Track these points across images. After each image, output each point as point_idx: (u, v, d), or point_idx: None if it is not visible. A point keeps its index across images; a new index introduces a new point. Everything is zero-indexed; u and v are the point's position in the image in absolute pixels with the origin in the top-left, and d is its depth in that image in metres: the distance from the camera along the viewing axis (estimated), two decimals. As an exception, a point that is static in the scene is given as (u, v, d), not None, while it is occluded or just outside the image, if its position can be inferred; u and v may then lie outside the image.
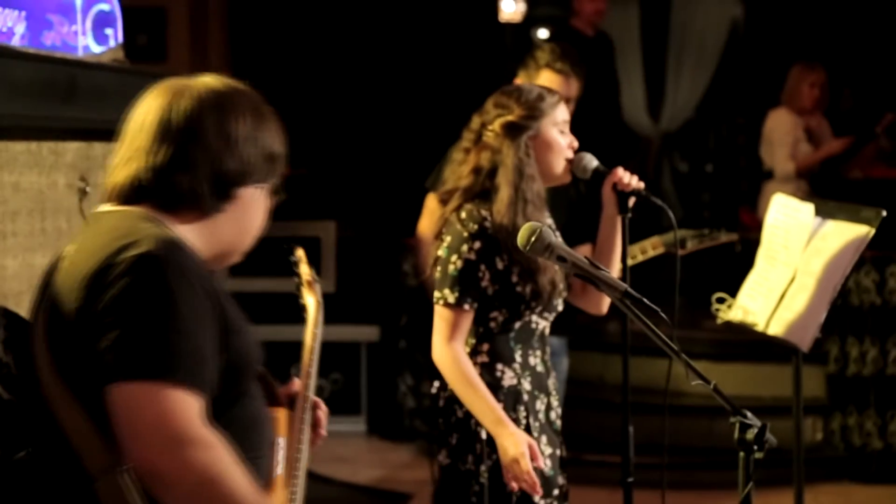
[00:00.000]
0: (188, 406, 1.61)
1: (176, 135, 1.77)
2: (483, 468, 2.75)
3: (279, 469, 1.85)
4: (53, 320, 1.72)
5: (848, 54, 7.63)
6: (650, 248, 3.66)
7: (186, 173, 1.77)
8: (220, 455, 1.62)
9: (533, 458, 2.64)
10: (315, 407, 2.06)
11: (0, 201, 2.65)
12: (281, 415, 1.91)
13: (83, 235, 1.81)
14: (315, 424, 2.05)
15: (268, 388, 1.91)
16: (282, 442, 1.88)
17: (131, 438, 1.60)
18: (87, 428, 1.65)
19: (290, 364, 6.63)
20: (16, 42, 2.91)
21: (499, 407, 2.71)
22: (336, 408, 6.64)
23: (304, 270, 2.35)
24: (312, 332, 2.20)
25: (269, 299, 5.97)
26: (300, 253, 2.39)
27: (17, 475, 2.12)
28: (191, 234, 1.78)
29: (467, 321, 2.78)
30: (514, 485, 2.65)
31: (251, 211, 1.84)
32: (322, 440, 2.07)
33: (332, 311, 8.01)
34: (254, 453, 1.78)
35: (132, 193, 1.79)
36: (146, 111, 1.83)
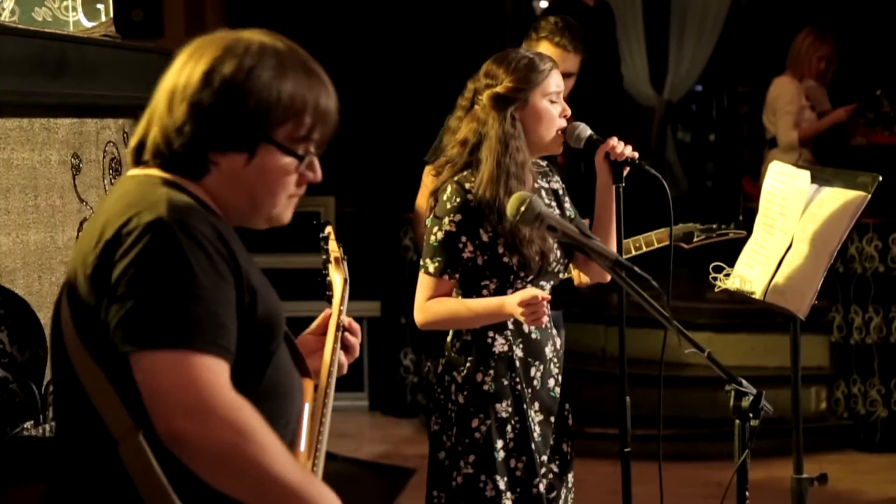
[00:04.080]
0: (209, 372, 1.60)
1: (176, 97, 1.75)
2: (484, 428, 2.79)
3: (303, 438, 1.84)
4: (73, 289, 1.72)
5: (848, 20, 7.56)
6: (655, 240, 3.63)
7: (177, 136, 1.74)
8: (245, 420, 1.61)
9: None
10: (348, 330, 2.10)
11: (-8, 179, 2.63)
12: (307, 385, 1.90)
13: (104, 203, 1.81)
14: (346, 347, 2.09)
15: (295, 356, 1.89)
16: (307, 410, 1.86)
17: (155, 407, 1.60)
18: (109, 392, 1.66)
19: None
20: (5, 18, 2.88)
21: (490, 299, 2.78)
22: (338, 384, 6.61)
23: (333, 247, 2.33)
24: (339, 309, 2.16)
25: (286, 275, 5.96)
26: (329, 229, 2.38)
27: (16, 450, 2.11)
28: (203, 194, 1.76)
29: (447, 290, 2.82)
30: (534, 317, 2.67)
31: (241, 176, 1.75)
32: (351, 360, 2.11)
33: (333, 286, 7.82)
34: (282, 420, 1.77)
35: (140, 155, 1.79)
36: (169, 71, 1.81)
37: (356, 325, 2.14)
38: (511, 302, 2.71)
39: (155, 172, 1.76)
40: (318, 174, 1.83)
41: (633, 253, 3.60)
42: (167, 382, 1.59)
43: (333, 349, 2.06)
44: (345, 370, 2.10)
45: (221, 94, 1.72)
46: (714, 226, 3.75)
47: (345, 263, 2.31)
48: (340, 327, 2.09)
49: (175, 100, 1.74)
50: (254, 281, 1.73)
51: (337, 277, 2.26)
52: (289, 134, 1.76)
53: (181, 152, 1.74)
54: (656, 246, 3.64)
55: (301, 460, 1.81)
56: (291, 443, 1.80)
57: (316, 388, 1.96)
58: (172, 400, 1.59)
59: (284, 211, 1.82)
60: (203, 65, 1.73)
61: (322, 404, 1.96)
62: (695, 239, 3.70)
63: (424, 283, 2.83)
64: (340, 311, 2.14)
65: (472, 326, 2.82)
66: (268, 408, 1.72)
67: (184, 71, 1.75)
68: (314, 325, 2.13)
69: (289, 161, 1.77)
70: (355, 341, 2.12)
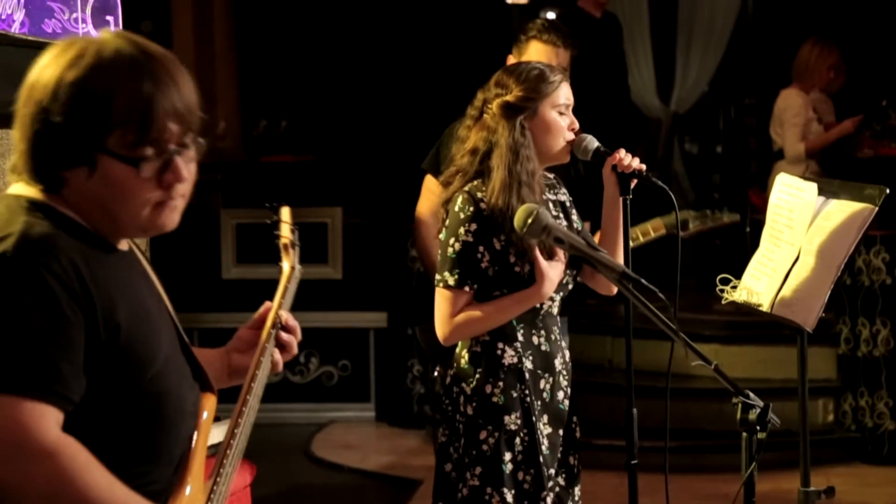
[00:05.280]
0: (27, 417, 1.54)
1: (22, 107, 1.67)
2: (492, 440, 2.78)
3: (200, 460, 1.75)
4: None
5: (854, 31, 7.57)
6: (651, 230, 3.66)
7: (20, 155, 1.66)
8: (63, 464, 1.56)
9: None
10: (285, 328, 1.96)
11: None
12: (207, 400, 1.79)
13: None
14: (282, 347, 1.96)
15: (196, 371, 1.79)
16: (204, 426, 1.76)
17: None
18: None
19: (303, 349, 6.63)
20: (15, 29, 2.89)
21: (515, 294, 2.78)
22: (345, 395, 6.67)
23: (284, 232, 2.17)
24: (278, 301, 2.00)
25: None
26: (285, 212, 2.20)
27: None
28: (73, 212, 1.67)
29: (468, 301, 2.80)
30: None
31: (89, 190, 1.65)
32: (281, 365, 1.96)
33: (340, 297, 7.98)
34: (167, 447, 1.71)
35: (15, 172, 1.70)
36: None
37: (294, 322, 1.99)
38: (542, 282, 2.73)
39: (25, 193, 1.67)
40: (179, 173, 1.66)
41: (631, 245, 3.63)
42: None
43: (263, 348, 1.92)
44: (279, 369, 1.96)
45: (37, 112, 1.63)
46: (708, 212, 3.79)
47: (296, 250, 2.15)
48: (277, 324, 1.95)
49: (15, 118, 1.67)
50: (118, 314, 1.64)
51: (285, 266, 2.11)
52: (120, 141, 1.62)
53: (32, 171, 1.66)
54: (653, 236, 3.66)
55: (194, 485, 1.74)
56: (181, 467, 1.73)
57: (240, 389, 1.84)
58: None
59: (157, 219, 1.68)
60: (28, 79, 1.66)
61: (239, 412, 1.85)
62: (691, 226, 3.72)
63: (445, 298, 2.79)
64: (280, 305, 1.99)
65: (502, 322, 2.80)
66: (150, 438, 1.68)
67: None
68: (253, 318, 2.00)
69: (127, 169, 1.63)
70: (292, 339, 1.98)
